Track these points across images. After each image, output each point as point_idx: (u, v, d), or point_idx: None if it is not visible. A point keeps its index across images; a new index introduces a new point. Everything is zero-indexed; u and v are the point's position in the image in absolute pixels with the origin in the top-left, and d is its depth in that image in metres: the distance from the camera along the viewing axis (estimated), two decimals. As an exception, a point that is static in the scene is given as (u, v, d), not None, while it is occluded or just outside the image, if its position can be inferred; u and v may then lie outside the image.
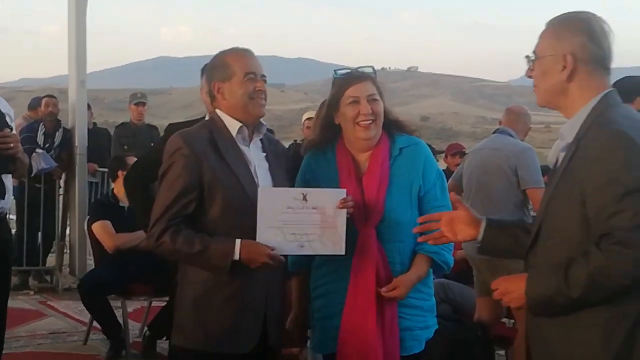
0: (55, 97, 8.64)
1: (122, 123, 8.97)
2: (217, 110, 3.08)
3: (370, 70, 3.26)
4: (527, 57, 2.51)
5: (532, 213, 5.86)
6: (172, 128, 4.26)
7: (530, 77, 2.52)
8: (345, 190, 3.03)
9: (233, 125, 3.03)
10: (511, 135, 5.32)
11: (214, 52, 3.18)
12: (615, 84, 2.75)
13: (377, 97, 3.16)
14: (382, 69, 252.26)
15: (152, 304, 6.07)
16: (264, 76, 3.06)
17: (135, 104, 8.40)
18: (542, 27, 2.48)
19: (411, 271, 3.12)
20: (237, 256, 2.86)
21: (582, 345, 2.27)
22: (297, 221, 2.96)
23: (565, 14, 2.47)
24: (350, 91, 3.15)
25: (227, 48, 3.12)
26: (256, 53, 3.10)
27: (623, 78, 4.53)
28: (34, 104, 9.05)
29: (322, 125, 3.30)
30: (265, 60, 3.33)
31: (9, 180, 3.93)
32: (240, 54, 3.05)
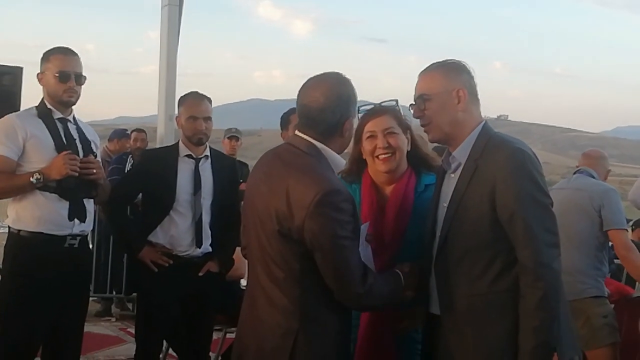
0: (144, 131, 8.91)
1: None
2: (322, 145, 2.77)
3: (393, 104, 3.30)
4: (419, 97, 2.85)
5: (616, 260, 5.70)
6: (146, 154, 5.18)
7: (419, 117, 2.87)
8: (367, 224, 3.07)
9: (338, 164, 2.85)
10: (592, 176, 5.20)
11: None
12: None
13: (396, 130, 3.20)
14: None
15: (227, 335, 6.08)
16: None
17: (228, 138, 8.35)
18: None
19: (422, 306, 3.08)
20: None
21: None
22: (364, 257, 2.96)
23: (441, 61, 2.94)
24: (368, 126, 3.22)
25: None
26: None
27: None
28: (114, 136, 9.26)
29: (351, 158, 3.37)
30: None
31: (90, 205, 4.11)
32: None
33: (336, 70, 2.85)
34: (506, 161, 2.72)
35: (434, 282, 2.91)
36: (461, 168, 2.86)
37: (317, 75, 2.84)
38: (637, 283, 6.29)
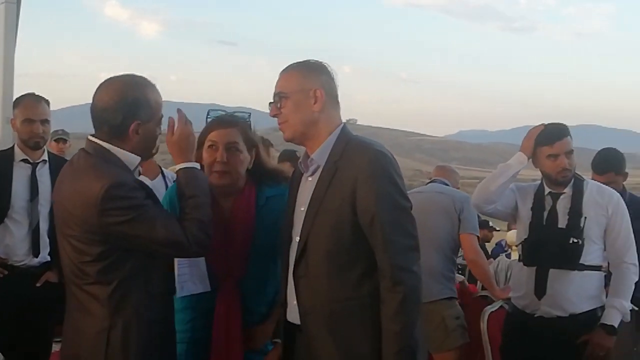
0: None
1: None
2: (110, 145, 2.73)
3: (245, 116, 3.22)
4: (277, 95, 2.79)
5: (462, 260, 5.88)
6: None
7: (275, 116, 2.80)
8: None
9: (131, 160, 2.76)
10: (447, 185, 5.39)
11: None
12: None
13: (240, 147, 3.10)
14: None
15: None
16: None
17: (55, 141, 7.89)
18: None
19: (271, 320, 3.09)
20: None
21: None
22: (199, 274, 2.96)
23: (303, 60, 2.89)
24: (212, 135, 3.11)
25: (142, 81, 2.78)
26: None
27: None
28: None
29: None
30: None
31: None
32: (159, 93, 2.83)
33: (139, 74, 2.80)
34: (368, 164, 2.68)
35: (292, 289, 2.82)
36: (320, 170, 2.81)
37: (111, 77, 2.79)
38: (478, 282, 6.54)
